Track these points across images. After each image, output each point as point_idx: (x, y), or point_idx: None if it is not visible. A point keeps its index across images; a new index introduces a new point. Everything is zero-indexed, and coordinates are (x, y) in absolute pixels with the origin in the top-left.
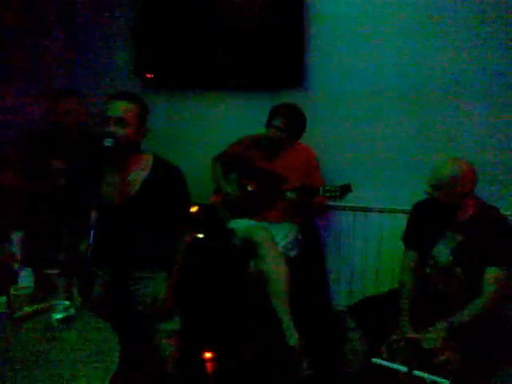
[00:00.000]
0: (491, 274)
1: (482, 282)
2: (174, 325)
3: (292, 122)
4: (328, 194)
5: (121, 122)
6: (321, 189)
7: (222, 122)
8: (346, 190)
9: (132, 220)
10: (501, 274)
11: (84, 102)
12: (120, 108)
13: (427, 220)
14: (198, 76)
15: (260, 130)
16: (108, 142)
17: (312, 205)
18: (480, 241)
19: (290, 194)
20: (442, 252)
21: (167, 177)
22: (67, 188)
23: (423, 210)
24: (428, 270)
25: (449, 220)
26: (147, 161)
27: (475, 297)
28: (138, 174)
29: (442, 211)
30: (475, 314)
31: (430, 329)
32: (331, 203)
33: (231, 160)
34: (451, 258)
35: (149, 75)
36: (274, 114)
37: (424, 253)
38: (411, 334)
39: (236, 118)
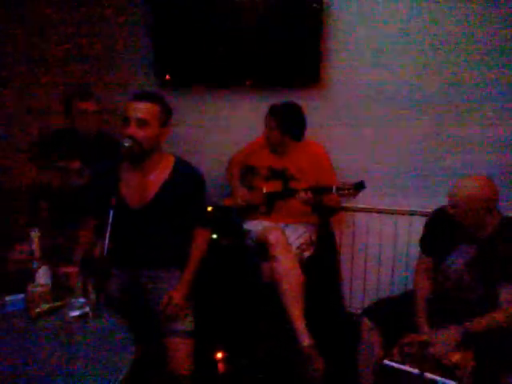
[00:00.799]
0: (506, 289)
1: (498, 297)
2: (187, 325)
3: (282, 119)
4: (341, 192)
5: (141, 122)
6: (334, 187)
7: (239, 121)
8: (359, 187)
9: (151, 221)
10: None
11: (99, 103)
12: (140, 108)
13: (444, 229)
14: (215, 75)
15: None
16: (127, 143)
17: (326, 204)
18: (496, 259)
19: (303, 194)
20: (456, 263)
21: (188, 180)
22: (85, 188)
23: (442, 218)
24: (442, 279)
25: (465, 234)
26: (168, 162)
27: (491, 305)
28: (158, 175)
29: (459, 223)
30: (492, 326)
31: (444, 332)
32: (346, 204)
33: (245, 162)
34: (464, 270)
35: (168, 76)
36: (267, 113)
37: (438, 260)
38: (424, 337)
39: (254, 116)
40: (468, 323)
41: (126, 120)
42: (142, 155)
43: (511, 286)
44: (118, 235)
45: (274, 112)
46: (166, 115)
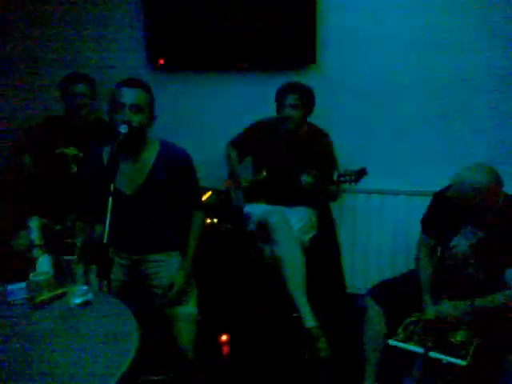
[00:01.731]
0: None
1: (506, 279)
2: (190, 309)
3: (306, 96)
4: (343, 179)
5: (136, 109)
6: (336, 174)
7: (234, 103)
8: (361, 174)
9: (144, 206)
10: None
11: (94, 88)
12: (134, 95)
13: (449, 211)
14: (209, 59)
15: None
16: (123, 129)
17: (327, 190)
18: (503, 241)
19: (305, 178)
20: (461, 245)
21: (174, 162)
22: (82, 174)
23: (444, 202)
24: (447, 260)
25: (470, 217)
26: (154, 147)
27: (496, 285)
28: (146, 161)
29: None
30: (499, 303)
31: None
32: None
33: (246, 145)
34: (469, 252)
35: (161, 61)
36: (284, 92)
37: (441, 242)
38: (429, 315)
39: (249, 99)
40: (477, 298)
41: (120, 106)
42: (134, 141)
43: None
44: (115, 221)
45: (296, 89)
46: (153, 101)
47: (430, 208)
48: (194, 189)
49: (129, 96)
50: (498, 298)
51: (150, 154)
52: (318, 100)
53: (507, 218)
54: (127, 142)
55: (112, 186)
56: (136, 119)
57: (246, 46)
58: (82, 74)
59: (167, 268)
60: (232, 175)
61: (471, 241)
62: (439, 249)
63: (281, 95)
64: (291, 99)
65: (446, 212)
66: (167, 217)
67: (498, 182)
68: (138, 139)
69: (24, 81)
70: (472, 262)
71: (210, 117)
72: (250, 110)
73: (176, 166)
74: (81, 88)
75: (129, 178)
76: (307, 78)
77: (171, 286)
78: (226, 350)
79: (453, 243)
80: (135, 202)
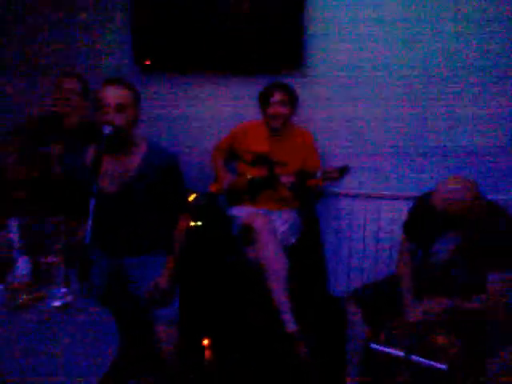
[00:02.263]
0: (495, 274)
1: (485, 279)
2: (172, 311)
3: (291, 94)
4: (326, 176)
5: (120, 108)
6: (318, 172)
7: (220, 106)
8: (343, 171)
9: (129, 206)
10: (506, 277)
11: (87, 89)
12: (118, 94)
13: (429, 217)
14: (195, 60)
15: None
16: (107, 129)
17: (310, 188)
18: (484, 245)
19: (285, 179)
20: (441, 250)
21: (160, 162)
22: (66, 174)
23: (426, 207)
24: (428, 265)
25: (451, 222)
26: (140, 147)
27: (477, 289)
28: (132, 160)
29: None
30: (478, 307)
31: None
32: (331, 189)
33: (231, 148)
34: (452, 255)
35: (147, 62)
36: (269, 91)
37: (423, 247)
38: (410, 319)
39: (236, 101)
40: (459, 300)
41: (104, 106)
42: (119, 141)
43: (501, 273)
44: (98, 222)
45: (282, 87)
46: (139, 100)
47: (412, 213)
48: (179, 190)
49: (112, 95)
50: (475, 303)
51: (136, 154)
52: (305, 103)
53: (487, 224)
54: (111, 141)
55: (95, 186)
56: (120, 119)
57: (233, 48)
58: (75, 73)
59: (151, 270)
60: (218, 178)
61: (453, 245)
62: (420, 252)
63: (266, 94)
64: (278, 96)
65: (427, 217)
66: (152, 218)
67: (480, 197)
68: (122, 139)
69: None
70: (453, 265)
71: (196, 119)
72: (237, 112)
73: (162, 167)
74: (71, 84)
75: (114, 177)
76: (295, 81)
77: (154, 286)
78: (208, 354)
79: (434, 248)
80: (120, 202)
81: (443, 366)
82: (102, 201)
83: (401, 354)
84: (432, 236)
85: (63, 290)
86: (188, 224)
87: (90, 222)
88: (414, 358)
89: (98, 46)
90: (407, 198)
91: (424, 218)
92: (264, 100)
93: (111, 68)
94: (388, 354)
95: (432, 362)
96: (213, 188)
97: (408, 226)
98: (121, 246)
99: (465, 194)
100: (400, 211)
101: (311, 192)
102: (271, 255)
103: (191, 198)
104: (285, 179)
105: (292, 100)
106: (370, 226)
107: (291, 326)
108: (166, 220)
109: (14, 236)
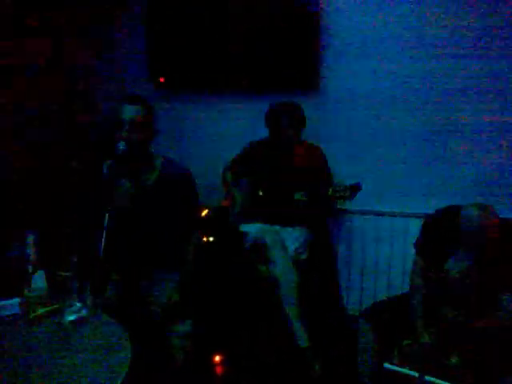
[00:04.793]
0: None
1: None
2: (186, 327)
3: (299, 114)
4: (338, 195)
5: (135, 125)
6: (330, 189)
7: (234, 125)
8: (355, 189)
9: (144, 222)
10: None
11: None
12: (134, 111)
13: (443, 234)
14: (210, 79)
15: None
16: (121, 146)
17: (322, 206)
18: (496, 265)
19: (299, 197)
20: (455, 268)
21: (176, 178)
22: (82, 190)
23: (440, 223)
24: (441, 284)
25: (464, 240)
26: (157, 163)
27: (490, 309)
28: (148, 176)
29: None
30: (491, 324)
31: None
32: (342, 207)
33: (241, 167)
34: (463, 276)
35: (162, 79)
36: (279, 113)
37: (435, 265)
38: (425, 339)
39: (250, 121)
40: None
41: (120, 123)
42: (135, 157)
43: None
44: (112, 236)
45: (289, 110)
46: (154, 117)
47: (424, 231)
48: (193, 208)
49: (128, 112)
50: (492, 320)
51: (153, 170)
52: (319, 124)
53: (499, 243)
54: (126, 158)
55: (109, 202)
56: (135, 136)
57: (247, 68)
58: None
59: (164, 285)
60: (228, 195)
61: (465, 263)
62: (433, 271)
63: (275, 116)
64: (287, 119)
65: (440, 233)
66: (166, 234)
67: (498, 221)
68: (137, 155)
69: None
70: (466, 285)
71: (209, 136)
72: (250, 131)
73: (177, 183)
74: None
75: (129, 193)
76: (308, 102)
77: (167, 301)
78: (220, 369)
79: (447, 266)
80: (134, 218)
81: None
82: (118, 215)
83: (415, 374)
84: (445, 255)
85: (78, 304)
86: (200, 240)
87: (104, 238)
88: (428, 378)
89: (115, 64)
90: (419, 216)
91: (436, 232)
92: (271, 121)
93: (127, 85)
94: (402, 374)
95: (447, 382)
96: (225, 203)
97: (420, 245)
98: (135, 260)
99: (495, 216)
100: (412, 229)
101: (323, 209)
102: (282, 272)
103: (203, 213)
104: (296, 196)
105: (299, 121)
106: (383, 244)
107: (303, 343)
108: (179, 235)
109: (30, 250)
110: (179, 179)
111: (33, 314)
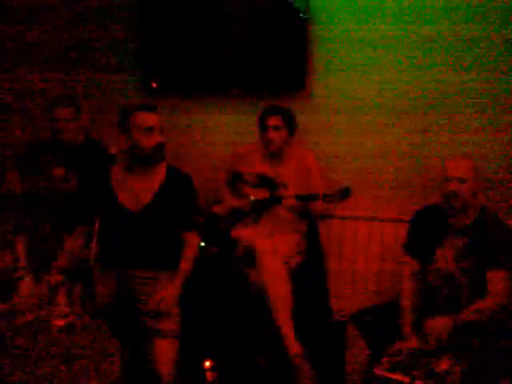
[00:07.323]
0: (496, 275)
1: (486, 284)
2: (173, 326)
3: (287, 117)
4: (328, 199)
5: (149, 131)
6: (321, 194)
7: (225, 129)
8: (346, 193)
9: (146, 224)
10: (505, 275)
11: (79, 110)
12: (152, 118)
13: (428, 227)
14: (200, 84)
15: None
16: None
17: (313, 210)
18: (483, 245)
19: (288, 201)
20: (444, 258)
21: (180, 184)
22: (72, 195)
23: (424, 218)
24: (431, 278)
25: (451, 225)
26: (161, 167)
27: (480, 295)
28: (154, 179)
29: (443, 217)
30: (480, 312)
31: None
32: (334, 211)
33: (233, 170)
34: (454, 263)
35: (154, 84)
36: (266, 114)
37: (425, 260)
38: (414, 344)
39: (240, 125)
40: (455, 316)
41: (137, 129)
42: (151, 161)
43: (501, 272)
44: (113, 237)
45: (278, 111)
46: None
47: (410, 227)
48: (194, 211)
49: (146, 119)
50: (476, 307)
51: (158, 174)
52: (306, 126)
53: (484, 228)
54: (144, 161)
55: (99, 206)
56: (149, 141)
57: (237, 73)
58: (66, 98)
59: (156, 285)
60: (223, 201)
61: (454, 250)
62: (422, 270)
63: (262, 118)
64: (273, 120)
65: (425, 226)
66: (166, 236)
67: (477, 173)
68: (153, 159)
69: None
70: (457, 272)
71: (200, 141)
72: (241, 135)
73: (181, 189)
74: (62, 113)
75: (136, 195)
76: (297, 104)
77: (159, 300)
78: (209, 375)
79: (436, 258)
80: (139, 220)
81: None
82: (121, 217)
83: (405, 380)
84: (432, 247)
85: (66, 309)
86: (198, 244)
87: (94, 242)
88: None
89: (107, 68)
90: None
91: (423, 225)
92: (260, 124)
93: (119, 90)
94: (392, 380)
95: None
96: (216, 209)
97: (409, 242)
98: (132, 260)
99: (469, 160)
100: (403, 234)
101: (313, 214)
102: (274, 277)
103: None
104: (286, 201)
105: (288, 124)
106: (374, 249)
107: (295, 349)
108: (178, 237)
109: (19, 255)
110: (183, 185)
111: (22, 320)
